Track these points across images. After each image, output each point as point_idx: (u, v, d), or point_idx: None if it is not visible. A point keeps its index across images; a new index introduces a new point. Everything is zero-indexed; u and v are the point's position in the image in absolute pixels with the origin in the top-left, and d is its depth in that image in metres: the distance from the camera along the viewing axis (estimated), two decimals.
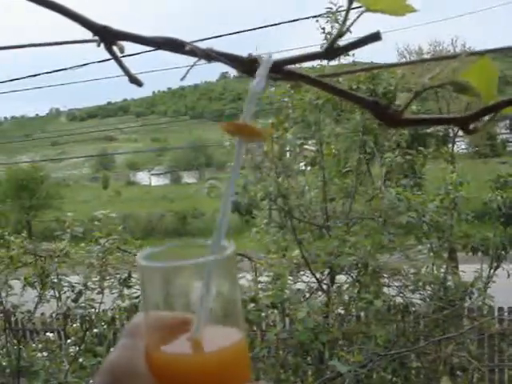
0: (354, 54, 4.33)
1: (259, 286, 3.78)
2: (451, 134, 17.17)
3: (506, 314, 4.96)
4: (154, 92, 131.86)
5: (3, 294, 4.03)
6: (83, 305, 3.85)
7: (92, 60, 6.69)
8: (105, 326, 3.98)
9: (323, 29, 4.70)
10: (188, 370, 0.48)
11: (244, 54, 0.54)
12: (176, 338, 0.50)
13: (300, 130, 4.62)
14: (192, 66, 0.54)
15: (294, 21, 8.34)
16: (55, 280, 4.00)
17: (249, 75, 0.52)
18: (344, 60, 4.49)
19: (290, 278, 3.88)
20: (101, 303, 3.89)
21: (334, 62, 4.21)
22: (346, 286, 4.01)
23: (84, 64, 6.76)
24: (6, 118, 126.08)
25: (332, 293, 3.98)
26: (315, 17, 4.92)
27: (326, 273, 4.05)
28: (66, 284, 3.96)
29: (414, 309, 3.99)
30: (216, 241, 0.49)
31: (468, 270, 4.35)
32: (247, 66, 0.53)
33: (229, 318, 0.51)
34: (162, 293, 0.51)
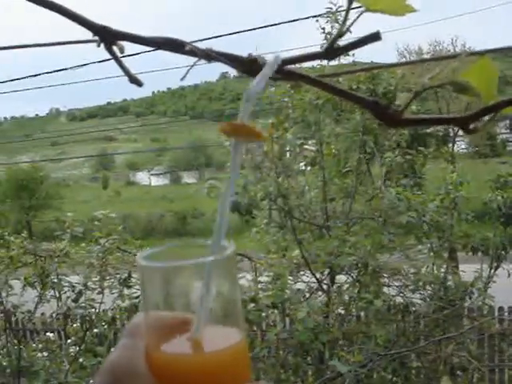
0: (353, 54, 4.34)
1: (259, 286, 3.78)
2: (451, 134, 17.17)
3: (506, 313, 4.96)
4: (153, 92, 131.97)
5: (3, 294, 4.03)
6: (83, 305, 3.85)
7: (92, 60, 6.70)
8: (105, 326, 3.98)
9: (323, 29, 4.71)
10: (188, 370, 0.48)
11: (244, 54, 0.54)
12: (176, 338, 0.50)
13: (300, 130, 4.62)
14: (192, 66, 0.54)
15: (293, 21, 8.34)
16: (55, 280, 4.01)
17: (249, 75, 0.52)
18: (344, 60, 4.50)
19: (290, 277, 3.88)
20: (101, 303, 3.89)
21: (333, 62, 4.21)
22: (346, 285, 4.01)
23: (84, 64, 6.76)
24: (5, 118, 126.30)
25: (332, 293, 3.98)
26: (315, 17, 4.92)
27: (326, 273, 4.05)
28: (66, 284, 3.96)
29: (414, 309, 3.99)
30: (216, 241, 0.49)
31: (468, 270, 4.35)
32: (247, 66, 0.53)
33: (229, 318, 0.51)
34: (162, 293, 0.51)
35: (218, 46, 0.54)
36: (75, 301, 3.87)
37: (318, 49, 0.54)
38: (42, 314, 5.06)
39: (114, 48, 0.55)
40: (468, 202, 4.45)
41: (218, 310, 0.51)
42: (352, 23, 0.52)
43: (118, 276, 3.89)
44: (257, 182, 4.13)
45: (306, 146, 4.51)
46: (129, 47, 0.56)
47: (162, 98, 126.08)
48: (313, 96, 4.22)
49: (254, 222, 4.91)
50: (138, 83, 0.57)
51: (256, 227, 4.73)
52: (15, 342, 4.06)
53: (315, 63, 3.63)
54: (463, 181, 4.36)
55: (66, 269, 4.09)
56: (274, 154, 4.05)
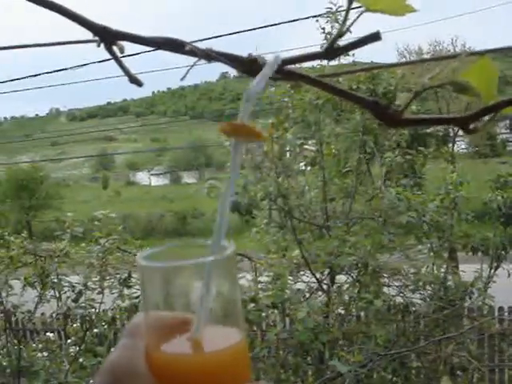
0: (353, 54, 4.33)
1: (259, 286, 3.78)
2: (451, 134, 17.16)
3: (506, 313, 4.96)
4: (153, 92, 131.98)
5: (3, 294, 4.03)
6: (83, 305, 3.85)
7: (92, 60, 6.69)
8: (105, 326, 3.98)
9: (323, 29, 4.70)
10: (188, 370, 0.48)
11: (244, 54, 0.54)
12: (176, 338, 0.50)
13: (300, 130, 4.62)
14: (192, 66, 0.54)
15: (293, 21, 8.34)
16: (55, 280, 4.01)
17: (249, 75, 0.52)
18: (344, 60, 4.50)
19: (290, 278, 3.88)
20: (101, 303, 3.89)
21: (333, 62, 4.21)
22: (346, 285, 4.01)
23: (84, 64, 6.76)
24: (5, 118, 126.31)
25: (332, 293, 3.98)
26: (315, 17, 4.92)
27: (326, 273, 4.05)
28: (66, 284, 3.96)
29: (414, 309, 3.99)
30: (216, 241, 0.49)
31: (468, 270, 4.35)
32: (247, 66, 0.53)
33: (229, 318, 0.51)
34: (162, 293, 0.51)
35: (218, 46, 0.54)
36: (75, 301, 3.87)
37: (318, 49, 0.54)
38: (42, 314, 5.06)
39: (114, 48, 0.55)
40: (468, 202, 4.45)
41: (218, 310, 0.51)
42: (352, 23, 0.52)
43: (118, 276, 3.89)
44: (257, 182, 4.13)
45: (306, 146, 4.51)
46: (129, 47, 0.56)
47: (162, 98, 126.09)
48: (313, 96, 4.22)
49: (254, 221, 4.91)
50: (138, 83, 0.57)
51: (256, 227, 4.73)
52: (15, 341, 4.06)
53: (315, 63, 3.63)
54: (463, 181, 4.36)
55: (65, 269, 4.10)
56: (274, 154, 4.05)
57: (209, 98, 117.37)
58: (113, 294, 3.88)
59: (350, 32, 0.55)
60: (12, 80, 9.07)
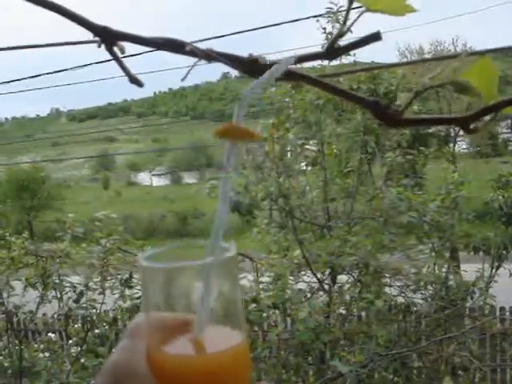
0: (354, 54, 4.35)
1: (260, 286, 3.77)
2: (452, 134, 17.15)
3: (507, 313, 4.95)
4: (154, 92, 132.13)
5: (5, 295, 4.04)
6: (85, 305, 3.85)
7: (93, 61, 6.69)
8: (106, 327, 3.98)
9: (324, 29, 4.71)
10: (189, 371, 0.48)
11: (245, 54, 0.54)
12: (177, 338, 0.50)
13: (301, 130, 4.62)
14: (192, 66, 0.54)
15: (294, 21, 8.32)
16: (57, 281, 4.01)
17: (250, 75, 0.52)
18: (345, 60, 4.50)
19: (291, 278, 3.88)
20: (102, 304, 3.89)
21: (334, 62, 4.20)
22: (348, 285, 4.01)
23: (85, 65, 6.77)
24: (6, 118, 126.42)
25: (333, 293, 3.98)
26: (316, 17, 4.92)
27: (327, 273, 4.05)
28: (68, 284, 3.97)
29: (415, 308, 3.99)
30: (216, 241, 0.49)
31: (469, 270, 4.34)
32: (248, 66, 0.53)
33: (230, 318, 0.51)
34: (164, 293, 0.51)
35: (219, 46, 0.54)
36: (76, 301, 3.87)
37: (318, 49, 0.54)
38: (44, 314, 5.06)
39: (115, 49, 0.55)
40: (469, 202, 4.45)
41: (219, 311, 0.51)
42: (353, 23, 0.52)
43: (119, 276, 3.89)
44: (258, 182, 4.13)
45: (307, 146, 4.51)
46: (129, 48, 0.56)
47: (163, 99, 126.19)
48: (314, 96, 4.22)
49: (255, 222, 4.91)
50: (139, 83, 0.57)
51: (257, 227, 4.73)
52: (17, 342, 4.06)
53: (316, 63, 3.63)
54: (464, 180, 4.35)
55: (67, 269, 4.10)
56: (275, 154, 4.05)
57: (210, 99, 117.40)
58: (114, 294, 3.88)
59: (351, 32, 0.55)
60: (13, 81, 9.07)
